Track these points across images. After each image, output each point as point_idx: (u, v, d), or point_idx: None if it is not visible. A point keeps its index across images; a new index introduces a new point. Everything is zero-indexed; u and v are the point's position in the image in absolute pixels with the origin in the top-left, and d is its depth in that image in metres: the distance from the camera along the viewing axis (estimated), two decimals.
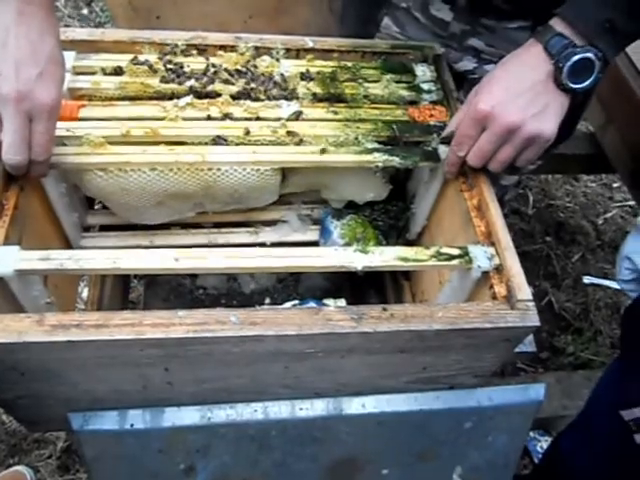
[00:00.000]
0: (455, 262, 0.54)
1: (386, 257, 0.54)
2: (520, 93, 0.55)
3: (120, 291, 0.82)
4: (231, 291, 0.83)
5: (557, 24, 0.55)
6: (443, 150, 0.64)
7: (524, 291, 0.52)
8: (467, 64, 0.76)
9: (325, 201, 0.75)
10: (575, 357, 1.34)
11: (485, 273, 0.55)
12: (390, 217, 0.73)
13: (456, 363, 0.57)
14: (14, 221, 0.53)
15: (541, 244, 1.51)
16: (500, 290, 0.54)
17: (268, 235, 0.72)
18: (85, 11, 2.05)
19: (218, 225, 0.73)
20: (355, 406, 0.61)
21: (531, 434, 1.21)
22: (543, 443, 1.22)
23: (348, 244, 0.69)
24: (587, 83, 0.54)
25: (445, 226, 0.67)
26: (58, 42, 0.51)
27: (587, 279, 1.47)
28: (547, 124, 0.55)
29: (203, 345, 0.48)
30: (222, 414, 0.59)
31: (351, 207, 0.73)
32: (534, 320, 0.51)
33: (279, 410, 0.60)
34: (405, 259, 0.54)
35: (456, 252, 0.55)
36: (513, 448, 0.69)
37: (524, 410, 0.65)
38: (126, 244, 0.70)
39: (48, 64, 0.49)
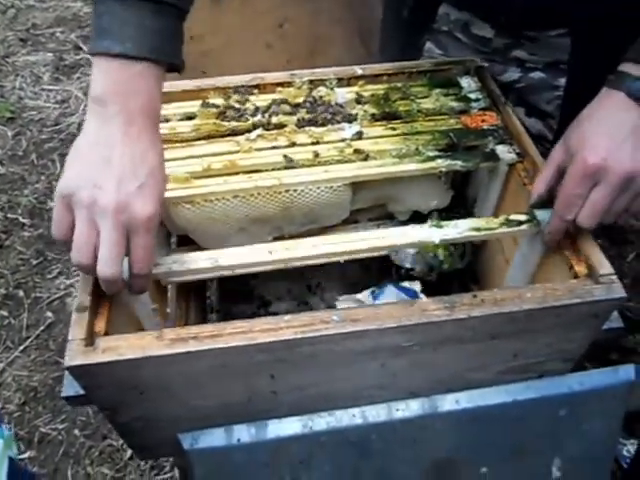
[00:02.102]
0: (524, 227, 0.58)
1: (460, 229, 0.58)
2: (624, 139, 0.53)
3: (200, 310, 0.87)
4: None
5: (631, 69, 0.54)
6: (501, 150, 0.67)
7: (605, 266, 0.54)
8: (512, 75, 0.80)
9: (391, 217, 0.78)
10: None
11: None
12: None
13: (546, 347, 0.58)
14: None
15: None
16: (580, 269, 0.56)
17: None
18: None
19: None
20: (449, 403, 0.62)
21: None
22: (629, 447, 1.19)
23: (420, 254, 0.72)
24: None
25: None
26: (161, 159, 0.52)
27: None
28: None
29: (309, 346, 0.51)
30: (322, 422, 0.61)
31: (416, 219, 0.77)
32: (620, 292, 0.53)
33: (377, 413, 0.62)
34: (477, 229, 0.58)
35: (524, 218, 0.59)
36: (609, 435, 0.69)
37: (617, 392, 0.65)
38: (211, 275, 0.74)
39: (148, 178, 0.49)
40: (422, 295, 0.72)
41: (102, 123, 0.49)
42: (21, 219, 1.74)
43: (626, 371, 0.64)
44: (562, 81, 0.75)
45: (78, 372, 0.50)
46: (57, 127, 2.05)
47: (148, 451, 0.66)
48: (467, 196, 0.79)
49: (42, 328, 1.50)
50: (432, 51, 0.83)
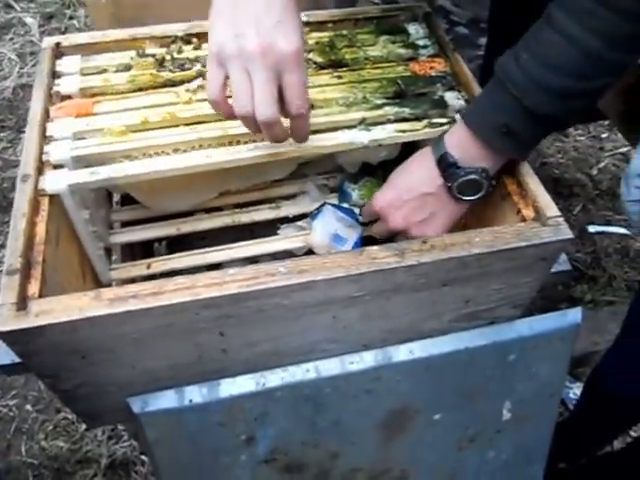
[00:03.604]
0: (446, 128, 0.61)
1: (387, 131, 0.62)
2: (408, 201, 0.59)
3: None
4: None
5: (451, 137, 0.57)
6: (450, 97, 0.66)
7: (552, 209, 0.54)
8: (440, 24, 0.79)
9: (339, 170, 0.77)
10: (594, 304, 1.36)
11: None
12: None
13: (496, 292, 0.58)
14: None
15: None
16: (528, 213, 0.56)
17: (290, 208, 0.74)
18: (57, 24, 2.09)
19: (239, 206, 0.75)
20: (403, 353, 0.62)
21: None
22: (576, 390, 1.24)
23: None
24: (479, 195, 0.58)
25: None
26: None
27: (592, 228, 1.50)
28: (431, 230, 0.60)
29: (255, 300, 0.50)
30: (276, 378, 0.60)
31: (365, 172, 0.75)
32: (567, 233, 0.53)
33: (330, 367, 0.61)
34: (403, 131, 0.63)
35: (445, 120, 0.64)
36: (557, 376, 0.71)
37: (564, 335, 0.66)
38: (155, 235, 0.71)
39: (283, 14, 0.48)
40: (360, 217, 0.71)
41: None
42: None
43: (574, 315, 0.66)
44: (483, 40, 0.75)
45: (11, 338, 0.47)
46: None
47: (97, 418, 0.63)
48: (418, 147, 0.78)
49: None
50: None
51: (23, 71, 1.99)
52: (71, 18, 2.16)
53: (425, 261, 0.50)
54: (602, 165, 1.68)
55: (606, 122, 1.72)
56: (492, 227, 0.53)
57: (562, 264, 0.58)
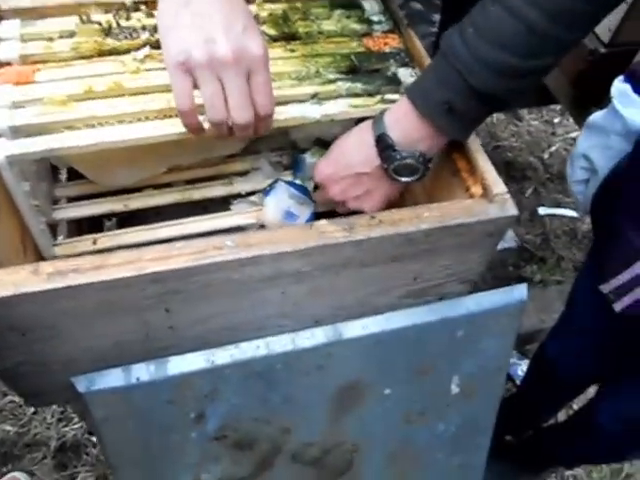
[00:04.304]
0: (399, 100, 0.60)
1: (339, 106, 0.61)
2: (345, 177, 0.60)
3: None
4: None
5: (392, 114, 0.57)
6: (403, 74, 0.66)
7: (499, 186, 0.55)
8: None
9: (293, 147, 0.76)
10: (543, 283, 1.41)
11: None
12: None
13: (444, 269, 0.59)
14: None
15: None
16: (476, 190, 0.57)
17: (242, 185, 0.73)
18: None
19: (191, 182, 0.73)
20: (353, 329, 0.63)
21: (511, 359, 1.27)
22: (523, 366, 1.28)
23: None
24: (415, 177, 0.58)
25: None
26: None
27: (542, 210, 1.54)
28: (367, 206, 0.61)
29: (203, 274, 0.49)
30: (225, 355, 0.60)
31: (320, 147, 0.75)
32: (512, 210, 0.54)
33: (281, 343, 0.61)
34: (356, 106, 0.62)
35: (397, 97, 0.63)
36: (504, 351, 0.73)
37: (511, 311, 0.68)
38: (101, 211, 0.69)
39: (248, 17, 0.50)
40: (313, 194, 0.71)
41: None
42: None
43: (520, 291, 0.68)
44: (437, 17, 0.75)
45: None
46: None
47: (40, 397, 0.61)
48: None
49: None
50: None
51: None
52: None
53: (374, 236, 0.51)
54: (554, 149, 1.73)
55: (558, 107, 1.76)
56: (441, 203, 0.54)
57: (509, 241, 0.59)
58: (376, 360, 0.67)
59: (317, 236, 0.50)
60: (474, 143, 0.59)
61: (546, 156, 1.71)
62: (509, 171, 1.64)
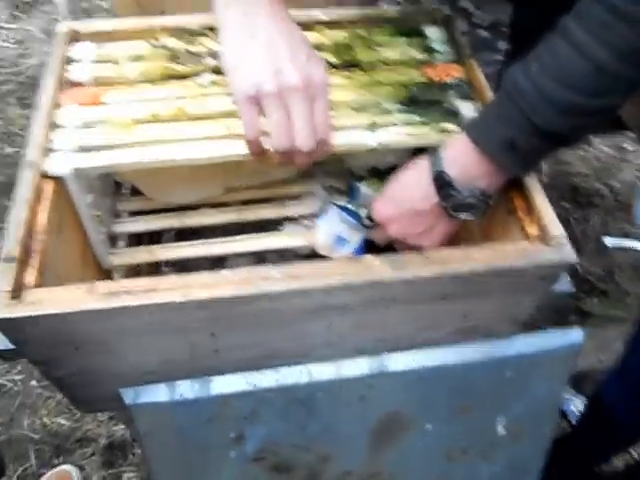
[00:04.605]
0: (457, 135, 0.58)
1: (396, 135, 0.61)
2: (404, 215, 0.59)
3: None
4: None
5: (450, 150, 0.55)
6: (462, 106, 0.65)
7: (557, 228, 0.53)
8: (460, 27, 0.77)
9: (348, 174, 0.76)
10: (603, 319, 1.34)
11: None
12: None
13: (494, 309, 0.57)
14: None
15: (558, 210, 1.51)
16: (532, 231, 0.55)
17: (295, 208, 0.73)
18: (85, 4, 2.10)
19: (246, 203, 0.74)
20: (398, 362, 0.62)
21: (565, 395, 1.22)
22: (577, 402, 1.22)
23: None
24: (475, 215, 0.56)
25: None
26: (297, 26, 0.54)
27: (608, 240, 1.47)
28: (427, 242, 0.59)
29: (248, 304, 0.49)
30: (267, 379, 0.60)
31: (375, 176, 0.74)
32: (570, 255, 0.52)
33: (323, 371, 0.61)
34: (413, 135, 0.61)
35: (456, 128, 0.61)
36: (555, 395, 0.70)
37: (564, 355, 0.65)
38: (158, 226, 0.71)
39: (309, 47, 0.52)
40: (367, 221, 0.70)
41: (244, 14, 0.50)
42: None
43: (576, 334, 0.64)
44: (503, 44, 0.73)
45: (4, 326, 0.47)
46: (15, 69, 1.95)
47: (90, 405, 0.64)
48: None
49: None
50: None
51: (49, 50, 2.01)
52: None
53: (423, 275, 0.50)
54: (623, 177, 1.65)
55: (630, 134, 1.68)
56: (494, 242, 0.52)
57: (564, 284, 0.57)
58: (419, 394, 0.65)
59: (366, 271, 0.49)
60: (532, 182, 0.57)
61: (615, 183, 1.63)
62: (575, 197, 1.58)
